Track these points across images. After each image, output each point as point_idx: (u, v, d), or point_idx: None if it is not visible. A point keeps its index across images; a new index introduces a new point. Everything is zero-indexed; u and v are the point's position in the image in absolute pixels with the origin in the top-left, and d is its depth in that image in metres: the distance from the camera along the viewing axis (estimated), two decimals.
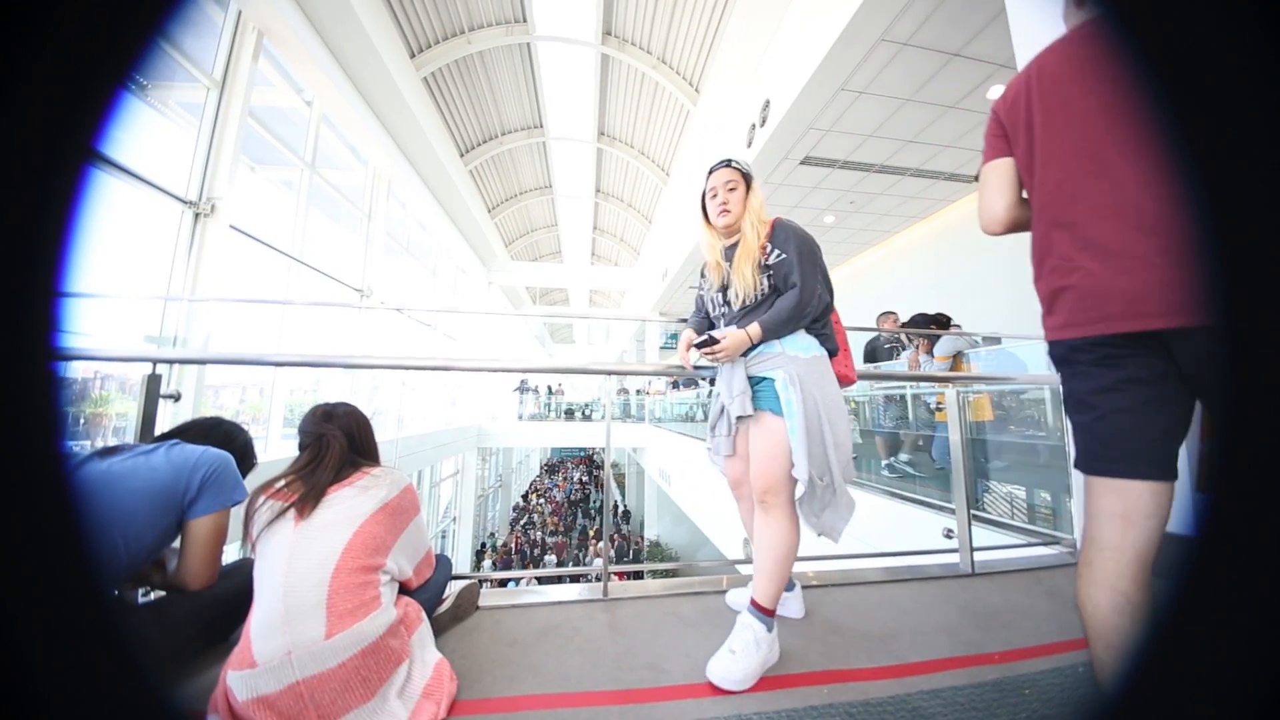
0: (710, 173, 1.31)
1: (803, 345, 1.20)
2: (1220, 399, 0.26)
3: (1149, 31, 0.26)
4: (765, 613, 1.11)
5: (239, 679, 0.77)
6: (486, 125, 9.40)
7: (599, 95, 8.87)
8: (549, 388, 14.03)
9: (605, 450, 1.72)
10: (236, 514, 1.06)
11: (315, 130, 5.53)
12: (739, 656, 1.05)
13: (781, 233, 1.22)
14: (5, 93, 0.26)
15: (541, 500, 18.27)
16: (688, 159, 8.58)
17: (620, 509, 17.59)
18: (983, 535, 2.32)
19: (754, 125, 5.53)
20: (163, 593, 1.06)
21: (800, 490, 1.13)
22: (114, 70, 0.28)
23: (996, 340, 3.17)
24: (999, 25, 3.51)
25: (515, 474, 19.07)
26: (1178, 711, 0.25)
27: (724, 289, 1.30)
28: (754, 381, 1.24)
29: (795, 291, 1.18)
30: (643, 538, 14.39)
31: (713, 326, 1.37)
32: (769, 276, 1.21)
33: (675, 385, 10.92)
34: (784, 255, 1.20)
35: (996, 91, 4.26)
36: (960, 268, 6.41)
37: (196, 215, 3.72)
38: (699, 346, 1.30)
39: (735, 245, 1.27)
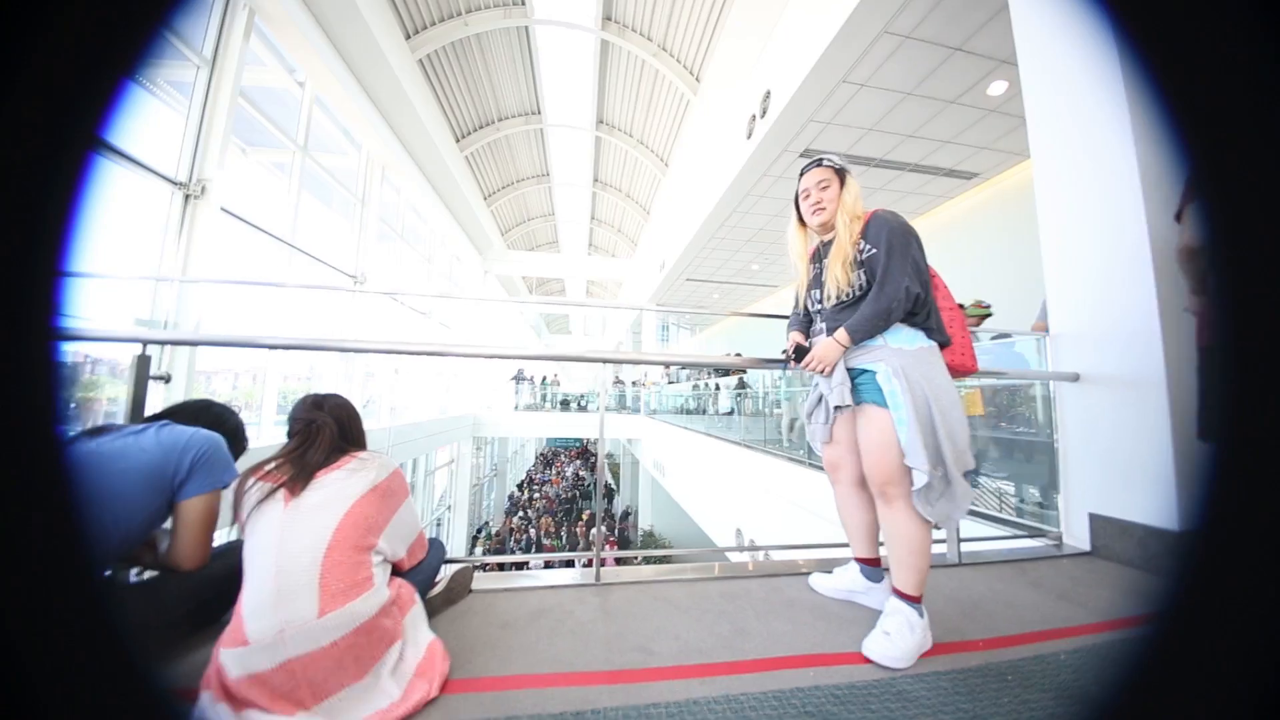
0: (802, 174, 1.33)
1: (906, 338, 1.19)
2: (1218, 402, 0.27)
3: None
4: (911, 599, 1.13)
5: (232, 657, 0.78)
6: (483, 110, 9.25)
7: (598, 82, 8.75)
8: (544, 378, 14.01)
9: (599, 437, 1.72)
10: (228, 496, 1.06)
11: (308, 112, 5.41)
12: (894, 638, 1.08)
13: (875, 227, 1.21)
14: (11, 81, 0.26)
15: (536, 494, 18.28)
16: (687, 149, 8.51)
17: (611, 491, 17.67)
18: (970, 527, 2.36)
19: (754, 116, 5.49)
20: (155, 573, 1.06)
21: (921, 480, 1.12)
22: (119, 60, 0.28)
23: (1006, 335, 3.18)
24: (1001, 21, 3.48)
25: (511, 464, 19.09)
26: (1176, 711, 0.25)
27: (819, 285, 1.31)
28: (855, 373, 1.24)
29: (875, 292, 1.17)
30: (630, 523, 14.50)
31: (812, 322, 1.38)
32: (864, 272, 1.20)
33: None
34: (874, 250, 1.19)
35: (998, 88, 4.24)
36: (956, 264, 6.43)
37: (186, 197, 3.64)
38: (794, 359, 1.31)
39: (831, 241, 1.28)
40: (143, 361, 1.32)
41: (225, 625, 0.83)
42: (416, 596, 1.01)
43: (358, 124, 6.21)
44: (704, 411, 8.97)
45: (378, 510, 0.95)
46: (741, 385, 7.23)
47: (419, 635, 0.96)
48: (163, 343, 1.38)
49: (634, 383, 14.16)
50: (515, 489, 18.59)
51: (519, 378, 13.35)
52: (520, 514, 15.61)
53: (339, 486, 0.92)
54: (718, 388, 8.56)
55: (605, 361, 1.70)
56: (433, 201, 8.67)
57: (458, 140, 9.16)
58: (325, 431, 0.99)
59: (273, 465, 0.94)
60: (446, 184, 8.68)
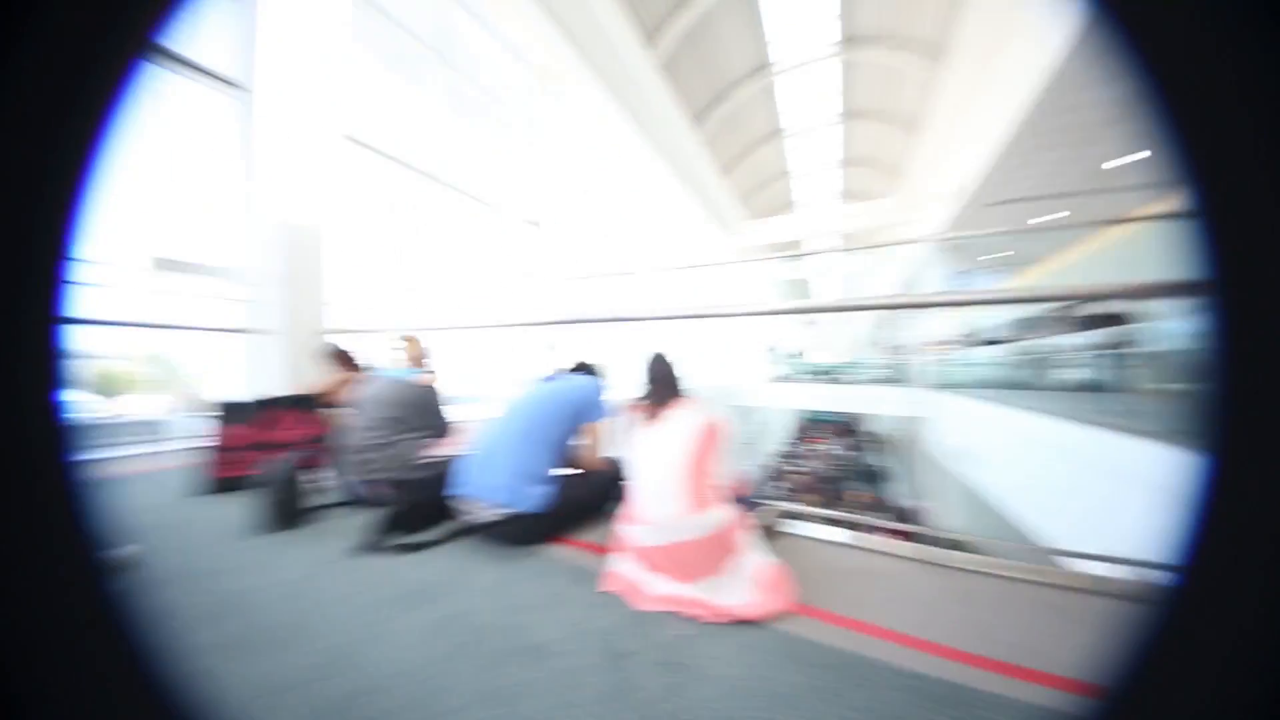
0: None
1: None
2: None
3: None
4: None
5: (635, 531, 1.07)
6: (715, 86, 9.40)
7: None
8: (793, 351, 13.49)
9: (874, 416, 1.47)
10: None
11: (603, 145, 6.86)
12: None
13: None
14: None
15: (796, 467, 17.94)
16: (979, 24, 6.28)
17: (883, 475, 15.50)
18: None
19: None
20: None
21: None
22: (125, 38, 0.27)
23: None
24: None
25: (766, 433, 19.39)
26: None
27: None
28: None
29: None
30: (919, 517, 12.27)
31: None
32: None
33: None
34: None
35: None
36: None
37: (531, 228, 5.26)
38: None
39: None
40: (545, 337, 1.98)
41: (617, 509, 1.15)
42: (750, 520, 1.15)
43: (630, 145, 7.41)
44: (1031, 387, 6.56)
45: (712, 444, 1.12)
46: (1117, 344, 4.87)
47: (759, 552, 1.08)
48: (560, 323, 1.98)
49: (923, 349, 11.84)
50: (773, 459, 18.78)
51: (774, 350, 13.34)
52: (779, 482, 15.71)
53: (684, 422, 1.13)
54: (1041, 358, 6.09)
55: (914, 307, 1.42)
56: (683, 194, 9.51)
57: (695, 123, 9.66)
58: (669, 380, 1.24)
59: (640, 401, 1.23)
60: (691, 173, 9.34)
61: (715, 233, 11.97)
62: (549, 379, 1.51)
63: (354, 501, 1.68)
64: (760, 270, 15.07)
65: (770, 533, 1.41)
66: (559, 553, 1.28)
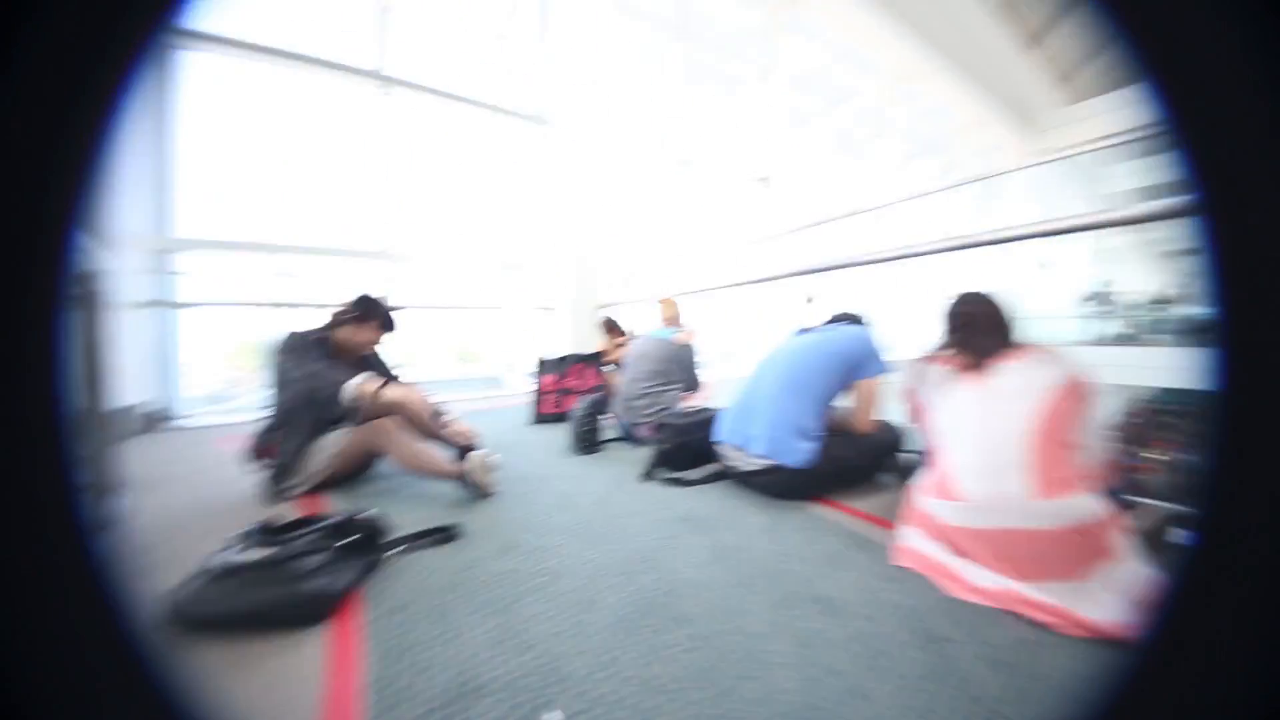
0: None
1: None
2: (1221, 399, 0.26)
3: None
4: None
5: (946, 508, 0.87)
6: None
7: None
8: (1159, 296, 8.74)
9: None
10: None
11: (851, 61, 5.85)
12: None
13: None
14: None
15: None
16: None
17: None
18: None
19: None
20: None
21: None
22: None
23: None
24: None
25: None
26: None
27: None
28: None
29: None
30: None
31: None
32: None
33: None
34: None
35: None
36: None
37: (760, 186, 4.98)
38: None
39: None
40: (797, 289, 1.86)
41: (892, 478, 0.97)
42: (1124, 520, 0.82)
43: (889, 45, 6.07)
44: None
45: (1070, 406, 0.83)
46: None
47: (1136, 561, 0.77)
48: (807, 273, 1.86)
49: None
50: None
51: (1099, 297, 9.08)
52: None
53: (1028, 376, 0.88)
54: None
55: None
56: (963, 88, 7.18)
57: None
58: (983, 321, 0.97)
59: (948, 352, 1.01)
60: (975, 56, 6.89)
61: (1004, 135, 8.73)
62: (809, 330, 1.41)
63: (629, 439, 2.04)
64: (1091, 169, 10.40)
65: (1154, 541, 0.97)
66: (823, 513, 1.22)
